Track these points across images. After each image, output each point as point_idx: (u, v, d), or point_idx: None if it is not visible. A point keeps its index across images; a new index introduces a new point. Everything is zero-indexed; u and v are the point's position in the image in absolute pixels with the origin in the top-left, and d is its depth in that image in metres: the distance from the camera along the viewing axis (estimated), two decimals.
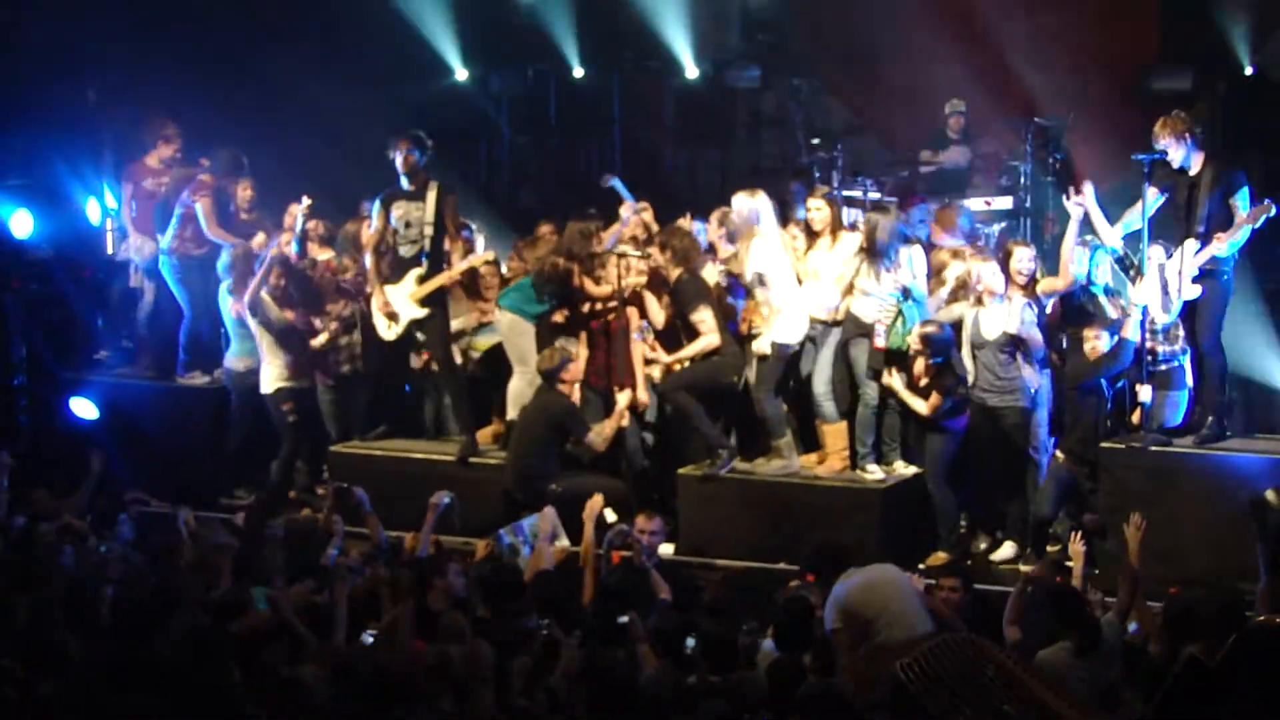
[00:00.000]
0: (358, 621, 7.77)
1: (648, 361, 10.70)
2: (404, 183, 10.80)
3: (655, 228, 10.94)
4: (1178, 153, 9.34)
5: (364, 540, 9.91)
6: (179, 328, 12.42)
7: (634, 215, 10.95)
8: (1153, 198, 9.63)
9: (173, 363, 12.56)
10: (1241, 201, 9.30)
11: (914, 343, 9.85)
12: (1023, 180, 13.04)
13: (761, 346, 10.05)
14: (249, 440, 11.74)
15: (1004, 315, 9.87)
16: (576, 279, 10.65)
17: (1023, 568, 9.69)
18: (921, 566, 9.66)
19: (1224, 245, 9.27)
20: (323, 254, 11.85)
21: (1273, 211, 9.22)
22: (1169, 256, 9.55)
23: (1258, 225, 9.23)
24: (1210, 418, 9.59)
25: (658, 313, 10.64)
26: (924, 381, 9.87)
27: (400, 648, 7.11)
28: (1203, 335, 9.51)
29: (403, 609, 7.49)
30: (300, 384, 11.56)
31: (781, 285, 10.01)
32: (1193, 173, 9.40)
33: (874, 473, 10.09)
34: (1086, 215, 9.81)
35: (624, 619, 7.41)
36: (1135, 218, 9.65)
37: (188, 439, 12.20)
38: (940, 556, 9.82)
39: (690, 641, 7.19)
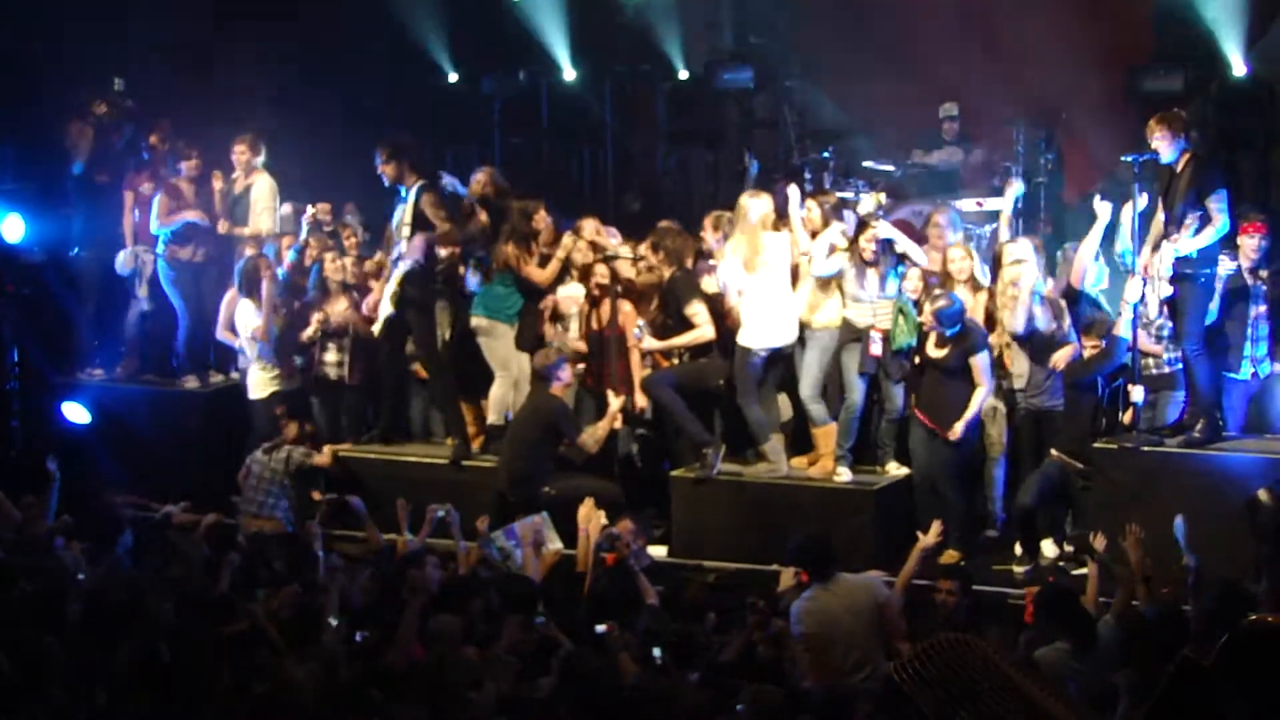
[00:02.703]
0: (356, 623, 7.80)
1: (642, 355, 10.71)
2: (384, 180, 10.97)
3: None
4: (1168, 150, 9.34)
5: (358, 544, 9.95)
6: (171, 331, 12.44)
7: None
8: (1104, 212, 9.72)
9: (166, 366, 12.58)
10: (1218, 204, 9.28)
11: (928, 320, 9.81)
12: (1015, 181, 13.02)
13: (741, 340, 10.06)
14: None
15: (1049, 315, 9.92)
16: (518, 263, 10.70)
17: (1016, 569, 9.71)
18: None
19: (1182, 245, 9.27)
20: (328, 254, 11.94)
21: (1219, 204, 9.22)
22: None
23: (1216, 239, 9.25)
24: (1201, 420, 9.58)
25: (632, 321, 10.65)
26: (945, 351, 9.84)
27: (403, 648, 7.11)
28: (1184, 339, 9.51)
29: (414, 610, 7.48)
30: (290, 385, 11.58)
31: (752, 290, 9.99)
32: (1177, 171, 9.41)
33: (843, 475, 10.07)
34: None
35: (601, 628, 7.34)
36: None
37: (181, 443, 12.19)
38: (952, 555, 9.81)
39: (657, 651, 7.19)
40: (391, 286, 10.94)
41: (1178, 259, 9.33)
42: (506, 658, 7.04)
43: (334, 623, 7.55)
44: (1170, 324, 9.69)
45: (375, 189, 11.41)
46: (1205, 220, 9.26)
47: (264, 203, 12.21)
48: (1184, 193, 9.29)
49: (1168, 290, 9.43)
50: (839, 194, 12.58)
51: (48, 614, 7.62)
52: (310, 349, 11.60)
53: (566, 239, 10.86)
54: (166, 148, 12.40)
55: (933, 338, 9.86)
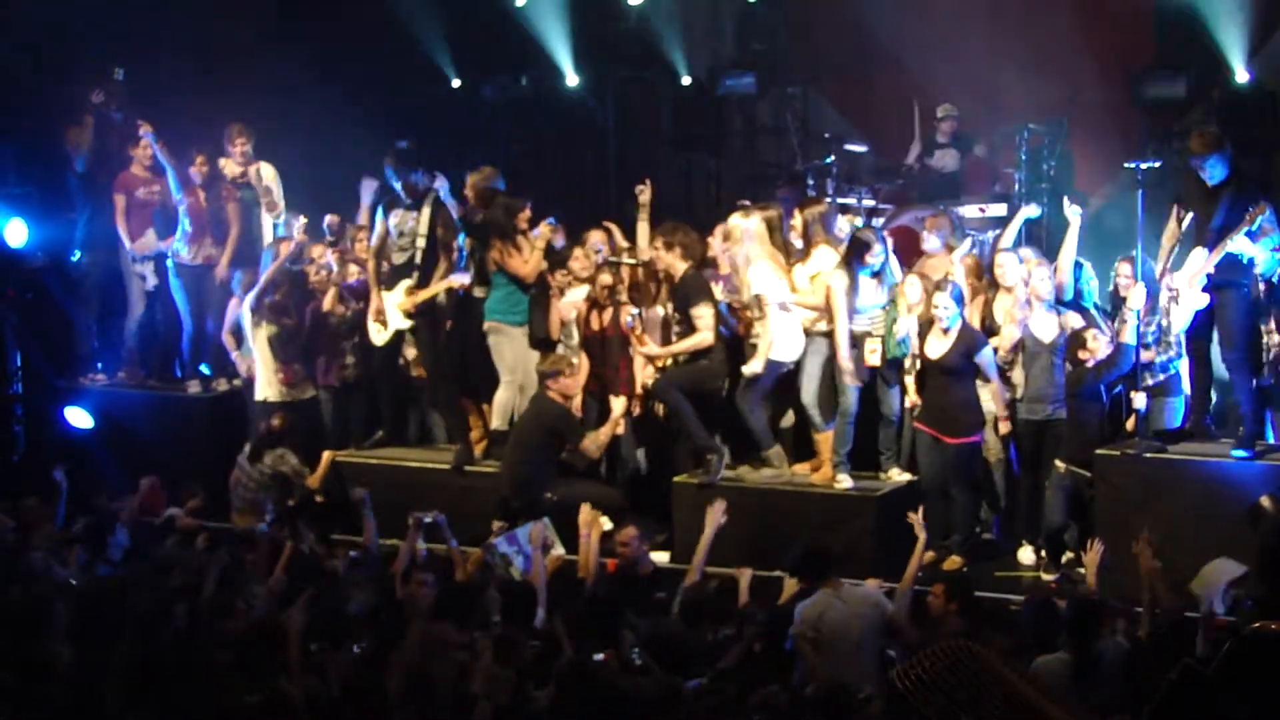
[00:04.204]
0: (354, 633, 7.78)
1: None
2: (399, 192, 10.89)
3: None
4: (1220, 169, 9.24)
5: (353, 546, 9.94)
6: (174, 335, 12.45)
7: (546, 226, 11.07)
8: (1076, 223, 9.74)
9: (169, 371, 12.59)
10: (1270, 218, 9.19)
11: (937, 314, 9.81)
12: (1017, 186, 13.04)
13: (752, 368, 10.02)
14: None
15: (1055, 322, 9.91)
16: (501, 258, 10.73)
17: (1044, 575, 9.70)
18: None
19: (1239, 245, 9.21)
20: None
21: (1266, 213, 9.20)
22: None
23: (1254, 228, 9.20)
24: (1241, 428, 9.51)
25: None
26: (944, 350, 9.83)
27: (403, 671, 7.08)
28: (1229, 347, 9.44)
29: (415, 632, 7.46)
30: (295, 397, 11.57)
31: (776, 312, 9.98)
32: (1212, 184, 9.29)
33: (844, 482, 10.07)
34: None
35: (599, 657, 7.27)
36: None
37: (184, 448, 12.19)
38: (955, 560, 9.83)
39: (635, 652, 7.19)
40: (401, 298, 10.92)
41: (1219, 266, 9.27)
42: (503, 670, 7.01)
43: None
44: (1158, 326, 9.68)
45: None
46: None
47: (277, 186, 12.28)
48: (1227, 206, 9.21)
49: (1201, 300, 9.37)
50: (841, 200, 12.61)
51: (37, 619, 7.61)
52: (329, 361, 11.62)
53: (544, 228, 10.89)
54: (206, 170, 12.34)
55: (930, 339, 9.86)
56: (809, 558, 8.06)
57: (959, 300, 9.82)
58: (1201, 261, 9.31)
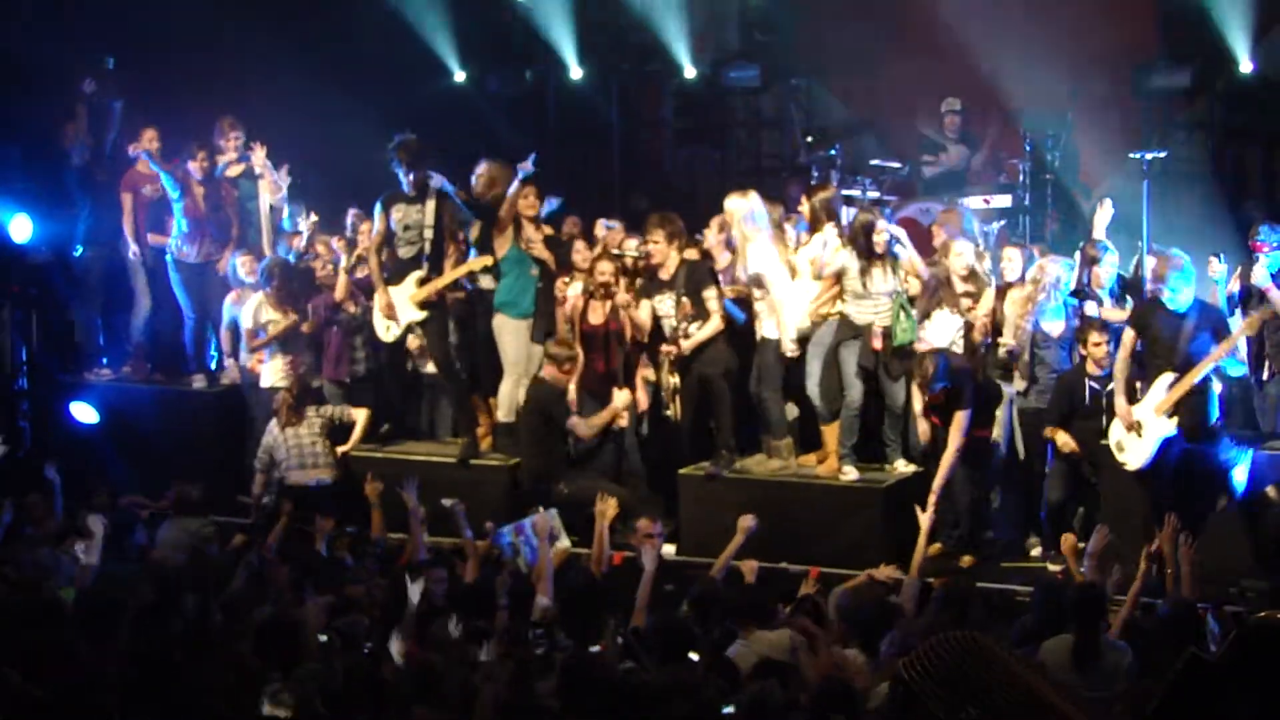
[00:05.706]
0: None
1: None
2: (404, 185, 10.86)
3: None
4: (1179, 290, 9.15)
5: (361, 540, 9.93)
6: (178, 331, 12.45)
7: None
8: (1108, 214, 9.74)
9: (174, 366, 12.59)
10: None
11: (918, 380, 9.72)
12: (1022, 178, 13.04)
13: (787, 350, 10.05)
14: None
15: (1062, 314, 9.91)
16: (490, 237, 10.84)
17: (1050, 566, 9.66)
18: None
19: (1195, 380, 9.15)
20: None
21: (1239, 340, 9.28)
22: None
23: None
24: None
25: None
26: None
27: (413, 654, 7.08)
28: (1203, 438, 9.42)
29: (410, 621, 7.45)
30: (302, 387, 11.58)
31: (779, 285, 9.99)
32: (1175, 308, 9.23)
33: (849, 474, 10.05)
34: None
35: (596, 649, 7.27)
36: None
37: (190, 443, 12.19)
38: (967, 559, 9.81)
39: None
40: (414, 290, 10.91)
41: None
42: (507, 662, 7.01)
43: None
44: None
45: (377, 188, 11.38)
46: None
47: (269, 174, 12.26)
48: (1194, 329, 9.15)
49: (1168, 428, 9.21)
50: (845, 192, 12.60)
51: (41, 616, 7.60)
52: (339, 355, 11.63)
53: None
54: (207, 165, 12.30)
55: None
56: (754, 604, 7.79)
57: (944, 372, 9.48)
58: (1165, 391, 9.19)
